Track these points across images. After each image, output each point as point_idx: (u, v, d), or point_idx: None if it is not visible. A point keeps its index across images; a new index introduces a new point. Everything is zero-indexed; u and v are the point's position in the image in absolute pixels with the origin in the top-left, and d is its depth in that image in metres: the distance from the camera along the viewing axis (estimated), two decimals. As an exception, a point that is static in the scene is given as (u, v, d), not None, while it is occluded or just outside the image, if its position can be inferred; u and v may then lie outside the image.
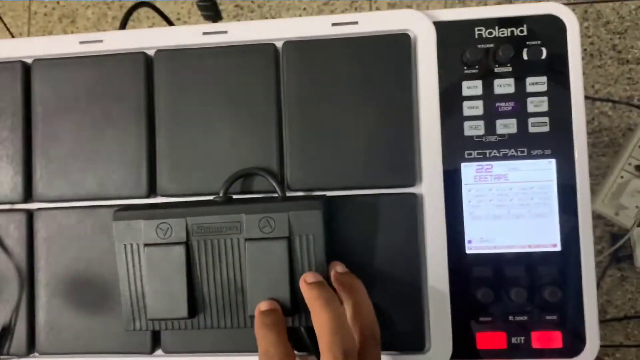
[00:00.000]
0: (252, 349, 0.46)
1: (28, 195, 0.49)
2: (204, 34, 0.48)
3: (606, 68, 1.11)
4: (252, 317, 0.42)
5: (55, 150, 0.48)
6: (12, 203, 0.49)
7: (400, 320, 0.45)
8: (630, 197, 1.00)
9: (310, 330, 0.42)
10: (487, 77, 0.46)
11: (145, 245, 0.43)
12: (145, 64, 0.48)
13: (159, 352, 0.48)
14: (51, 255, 0.48)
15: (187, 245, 0.43)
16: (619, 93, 1.10)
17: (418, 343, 0.45)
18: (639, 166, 1.01)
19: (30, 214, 0.49)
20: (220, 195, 0.45)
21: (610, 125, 1.09)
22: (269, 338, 0.39)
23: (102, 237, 0.48)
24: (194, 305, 0.43)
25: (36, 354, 0.49)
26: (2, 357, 0.48)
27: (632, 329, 1.09)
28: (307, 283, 0.41)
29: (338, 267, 0.44)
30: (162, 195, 0.48)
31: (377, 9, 1.20)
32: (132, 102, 0.48)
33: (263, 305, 0.41)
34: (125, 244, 0.43)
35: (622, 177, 1.02)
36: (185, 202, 0.46)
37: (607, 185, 1.03)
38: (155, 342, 0.48)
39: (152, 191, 0.48)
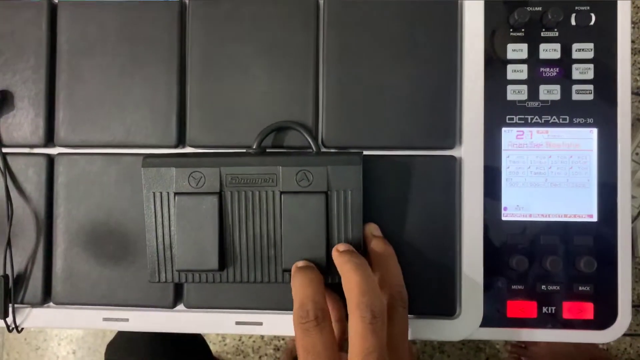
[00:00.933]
0: (277, 306, 0.45)
1: (49, 139, 0.47)
2: (242, -20, 0.46)
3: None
4: (285, 271, 0.41)
5: (80, 94, 0.46)
6: (32, 147, 0.47)
7: (432, 284, 0.44)
8: (637, 186, 1.00)
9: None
10: (533, 41, 0.45)
11: (176, 194, 0.41)
12: (180, 9, 0.46)
13: (180, 307, 0.46)
14: (71, 203, 0.46)
15: (220, 195, 0.41)
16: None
17: (449, 308, 0.44)
18: (647, 156, 1.02)
19: (51, 159, 0.47)
20: (254, 147, 0.44)
21: (619, 115, 1.09)
22: (307, 292, 0.38)
23: (125, 186, 0.46)
24: (224, 257, 0.42)
25: (51, 303, 0.47)
26: (16, 305, 0.46)
27: (628, 317, 1.10)
28: (338, 251, 0.40)
29: (374, 230, 0.43)
30: (192, 146, 0.46)
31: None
32: (163, 47, 0.46)
33: (300, 263, 0.40)
34: (154, 192, 0.41)
35: (628, 166, 1.02)
36: (218, 152, 0.44)
37: (613, 173, 1.03)
38: (177, 296, 0.46)
39: (181, 141, 0.46)
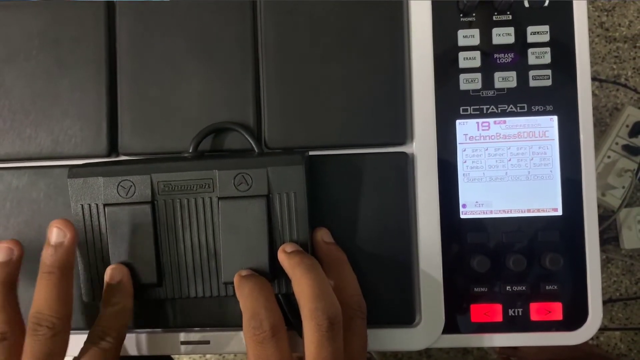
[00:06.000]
0: (224, 323, 0.42)
1: (-27, 154, 0.43)
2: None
3: (593, 46, 1.08)
4: (227, 284, 0.38)
5: (2, 103, 0.43)
6: (-45, 162, 0.44)
7: (388, 291, 0.41)
8: (617, 177, 0.98)
9: (291, 303, 0.38)
10: (485, 26, 0.42)
11: (106, 205, 0.38)
12: (107, 6, 0.43)
13: (121, 327, 0.43)
14: (-1, 221, 0.43)
15: (153, 204, 0.38)
16: (606, 72, 1.07)
17: (407, 316, 0.41)
18: (626, 145, 0.99)
19: (-25, 175, 0.43)
20: (190, 151, 0.41)
21: (597, 105, 1.06)
22: (260, 300, 0.34)
23: (57, 200, 0.43)
24: (161, 271, 0.38)
25: (-18, 330, 0.43)
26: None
27: (616, 312, 1.08)
28: (286, 252, 0.37)
29: (325, 236, 0.40)
30: (125, 154, 0.43)
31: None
32: (90, 49, 0.42)
33: (244, 272, 0.37)
34: (82, 204, 0.38)
35: (609, 157, 1.00)
36: (149, 159, 0.41)
37: (594, 165, 1.00)
38: (117, 316, 0.43)
39: (113, 149, 0.43)
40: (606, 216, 1.02)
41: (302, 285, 0.34)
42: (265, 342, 0.33)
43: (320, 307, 0.33)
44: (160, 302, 0.42)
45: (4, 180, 0.43)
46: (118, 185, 0.38)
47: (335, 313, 0.33)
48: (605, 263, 1.08)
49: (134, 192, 0.38)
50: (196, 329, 0.42)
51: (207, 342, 0.42)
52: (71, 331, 0.42)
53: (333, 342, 0.32)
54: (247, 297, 0.35)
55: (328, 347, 0.32)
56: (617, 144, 1.00)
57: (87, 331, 0.42)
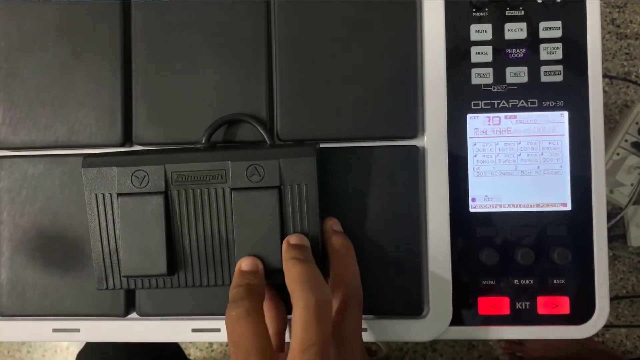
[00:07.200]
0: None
1: (-10, 142, 0.44)
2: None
3: (604, 43, 1.08)
4: (238, 273, 0.38)
5: (19, 93, 0.43)
6: (-28, 150, 0.44)
7: (397, 282, 0.42)
8: (626, 174, 0.97)
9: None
10: (498, 21, 0.42)
11: (119, 195, 0.39)
12: (122, 1, 0.43)
13: (133, 314, 0.44)
14: (14, 208, 0.43)
15: (166, 195, 0.38)
16: (617, 69, 1.07)
17: (415, 307, 0.42)
18: (636, 143, 0.99)
19: (-9, 163, 0.44)
20: (203, 142, 0.41)
21: (606, 102, 1.06)
22: (241, 291, 0.36)
23: (71, 188, 0.43)
24: (174, 261, 0.39)
25: (-2, 315, 0.44)
26: (-41, 318, 0.44)
27: (622, 309, 1.07)
28: (289, 244, 0.38)
29: (334, 225, 0.41)
30: (139, 144, 0.43)
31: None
32: (106, 41, 0.43)
33: (244, 265, 0.38)
34: (96, 194, 0.39)
35: (618, 154, 1.00)
36: (163, 149, 0.42)
37: (602, 161, 1.00)
38: (130, 303, 0.44)
39: (127, 139, 0.43)
40: (614, 213, 1.01)
41: (293, 272, 0.35)
42: (239, 321, 0.34)
43: (307, 288, 0.33)
44: (173, 290, 0.42)
45: (20, 168, 0.43)
46: (132, 175, 0.39)
47: (323, 296, 0.33)
48: (612, 260, 1.07)
49: (148, 182, 0.38)
50: (207, 317, 0.43)
51: (218, 330, 0.43)
52: (91, 317, 0.43)
53: (319, 324, 0.32)
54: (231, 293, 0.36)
55: (314, 328, 0.32)
56: (626, 141, 1.00)
57: (104, 317, 0.43)
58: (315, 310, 0.32)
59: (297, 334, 0.32)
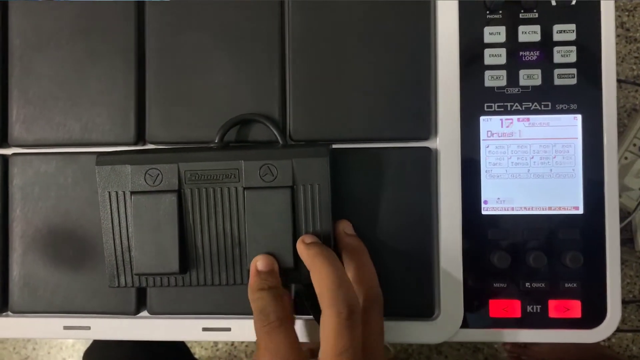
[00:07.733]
0: (246, 310, 0.42)
1: (3, 139, 0.44)
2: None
3: (613, 46, 1.07)
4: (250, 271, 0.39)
5: (33, 91, 0.44)
6: (-15, 147, 0.45)
7: (408, 284, 0.42)
8: (634, 178, 0.97)
9: (310, 294, 0.38)
10: (512, 23, 0.42)
11: (133, 193, 0.39)
12: (136, 1, 0.43)
13: (144, 313, 0.44)
14: (27, 205, 0.44)
15: (179, 193, 0.39)
16: (626, 72, 1.07)
17: (427, 309, 0.42)
18: (644, 147, 0.99)
19: (5, 160, 0.44)
20: (216, 141, 0.41)
21: (615, 105, 1.06)
22: (266, 298, 0.35)
23: (84, 186, 0.43)
24: (186, 259, 0.39)
25: (9, 312, 0.45)
26: (-29, 314, 0.44)
27: (628, 313, 1.07)
28: (305, 243, 0.37)
29: (347, 228, 0.41)
30: (152, 143, 0.43)
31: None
32: (120, 39, 0.43)
33: (260, 265, 0.38)
34: (109, 192, 0.39)
35: (626, 158, 1.00)
36: (177, 148, 0.42)
37: (610, 165, 1.00)
38: (141, 302, 0.44)
39: (140, 138, 0.43)
40: (621, 218, 1.01)
41: (322, 274, 0.35)
42: (272, 332, 0.34)
43: (340, 295, 0.33)
44: (184, 289, 0.42)
45: (33, 166, 0.44)
46: (145, 173, 0.39)
47: (354, 302, 0.33)
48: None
49: (161, 180, 0.39)
50: (218, 316, 0.43)
51: (228, 329, 0.43)
52: (102, 315, 0.43)
53: (352, 331, 0.33)
54: (257, 294, 0.36)
55: (347, 335, 0.32)
56: (634, 145, 0.99)
57: (115, 315, 0.43)
58: (347, 317, 0.32)
59: (330, 340, 0.33)
